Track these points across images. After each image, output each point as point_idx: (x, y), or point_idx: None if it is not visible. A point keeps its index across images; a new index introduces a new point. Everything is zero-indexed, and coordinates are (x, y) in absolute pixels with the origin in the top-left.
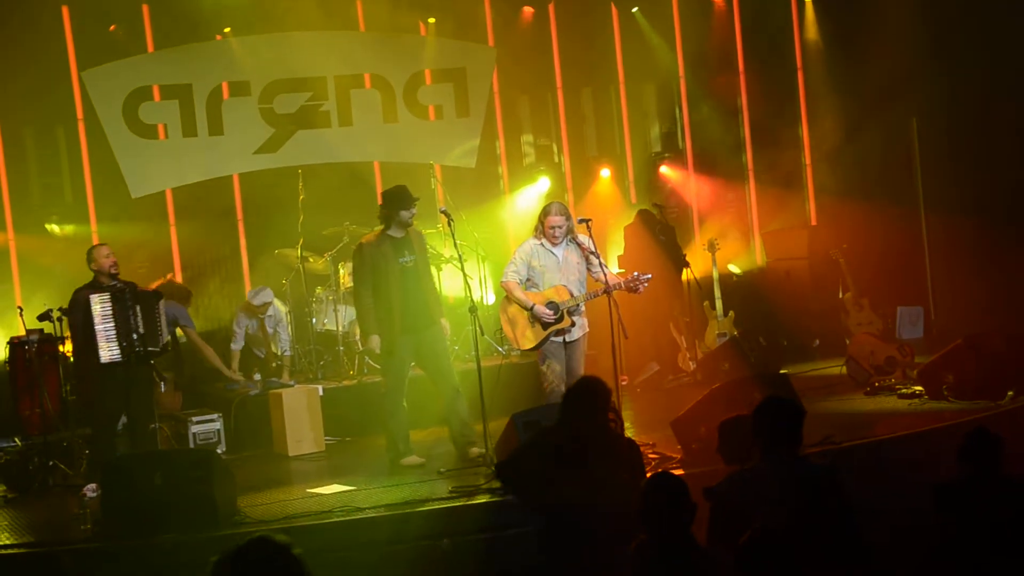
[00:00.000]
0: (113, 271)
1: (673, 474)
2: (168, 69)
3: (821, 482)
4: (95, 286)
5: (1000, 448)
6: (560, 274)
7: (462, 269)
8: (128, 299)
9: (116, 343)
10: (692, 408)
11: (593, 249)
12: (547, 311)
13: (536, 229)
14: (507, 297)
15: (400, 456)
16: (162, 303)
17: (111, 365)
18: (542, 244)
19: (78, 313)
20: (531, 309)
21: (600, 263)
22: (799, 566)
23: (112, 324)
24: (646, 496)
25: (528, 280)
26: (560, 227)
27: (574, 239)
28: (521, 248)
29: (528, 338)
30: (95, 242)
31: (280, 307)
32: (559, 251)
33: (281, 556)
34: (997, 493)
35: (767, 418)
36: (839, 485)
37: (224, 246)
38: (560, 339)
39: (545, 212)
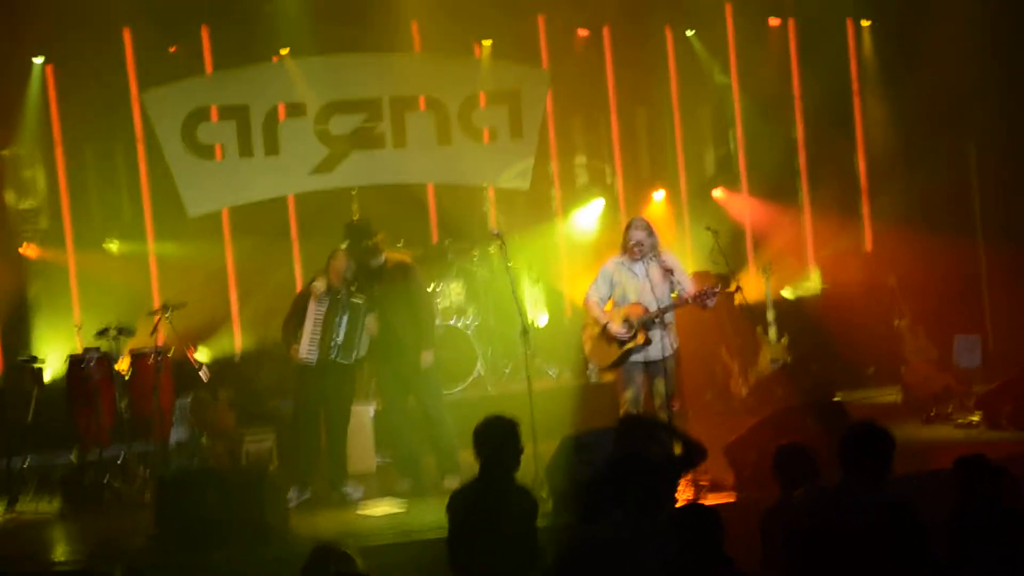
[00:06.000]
0: (348, 276)
1: (704, 504)
2: (226, 90)
3: (898, 513)
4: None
5: (996, 478)
6: (639, 291)
7: (514, 291)
8: (340, 307)
9: (315, 346)
10: (745, 434)
11: (671, 266)
12: (620, 328)
13: (621, 245)
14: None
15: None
16: (370, 317)
17: (305, 366)
18: (623, 261)
19: (300, 300)
20: (605, 327)
21: (678, 281)
22: None
23: (320, 327)
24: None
25: (611, 298)
26: (641, 243)
27: (657, 256)
28: (604, 265)
29: (606, 357)
30: (152, 261)
31: None
32: (639, 268)
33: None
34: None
35: (855, 441)
36: (916, 519)
37: (279, 265)
38: (640, 358)
39: (627, 227)
